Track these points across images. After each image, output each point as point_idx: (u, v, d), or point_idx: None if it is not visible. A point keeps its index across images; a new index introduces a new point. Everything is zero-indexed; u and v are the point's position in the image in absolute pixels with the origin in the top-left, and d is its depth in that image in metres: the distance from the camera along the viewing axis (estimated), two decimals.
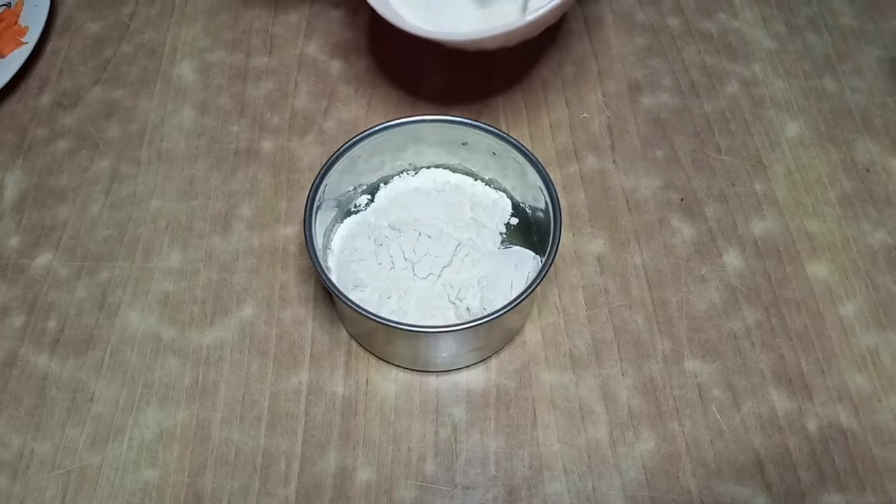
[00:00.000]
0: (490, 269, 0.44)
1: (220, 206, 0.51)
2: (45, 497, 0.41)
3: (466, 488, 0.41)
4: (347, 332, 0.46)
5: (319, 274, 0.40)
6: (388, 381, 0.45)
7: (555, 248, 0.41)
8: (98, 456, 0.42)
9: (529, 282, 0.41)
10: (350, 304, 0.39)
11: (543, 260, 0.41)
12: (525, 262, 0.45)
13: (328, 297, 0.47)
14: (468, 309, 0.43)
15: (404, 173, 0.49)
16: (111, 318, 0.46)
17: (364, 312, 0.39)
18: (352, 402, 0.44)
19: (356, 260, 0.45)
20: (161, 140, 0.54)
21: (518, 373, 0.45)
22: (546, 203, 0.43)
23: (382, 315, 0.39)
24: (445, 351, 0.43)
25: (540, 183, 0.43)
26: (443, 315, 0.43)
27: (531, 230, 0.47)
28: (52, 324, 0.46)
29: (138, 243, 0.49)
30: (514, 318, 0.44)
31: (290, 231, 0.50)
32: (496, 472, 0.42)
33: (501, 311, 0.39)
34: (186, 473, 0.42)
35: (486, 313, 0.39)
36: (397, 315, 0.42)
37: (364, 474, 0.42)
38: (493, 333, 0.44)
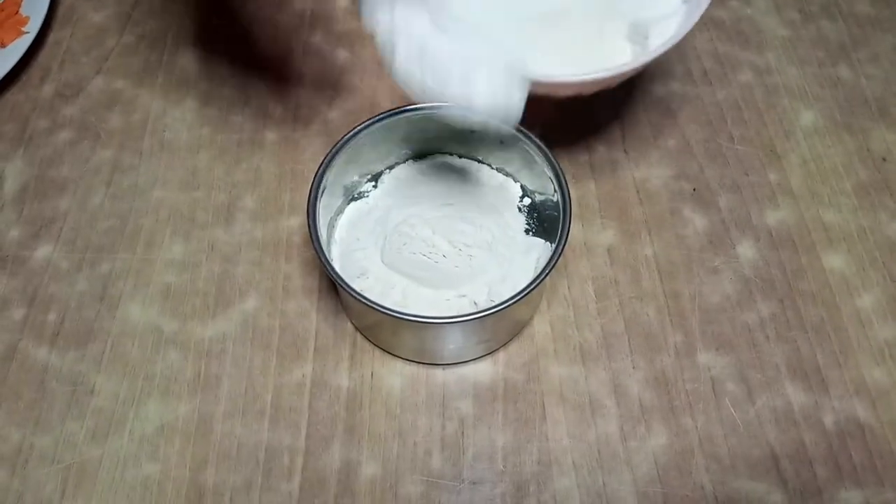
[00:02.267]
0: (498, 258, 0.44)
1: (223, 197, 0.50)
2: (45, 491, 0.40)
3: (474, 483, 0.41)
4: (352, 324, 0.45)
5: (324, 265, 0.39)
6: (394, 375, 0.44)
7: (564, 238, 0.40)
8: (98, 450, 0.42)
9: (538, 272, 0.40)
10: (355, 294, 0.38)
11: (552, 250, 0.40)
12: (533, 253, 0.44)
13: (333, 288, 0.46)
14: (475, 301, 0.42)
15: (409, 160, 0.48)
16: (112, 311, 0.46)
17: (369, 303, 0.38)
18: (357, 396, 0.43)
19: (360, 248, 0.44)
20: (163, 130, 0.53)
21: (526, 366, 0.44)
22: (555, 193, 0.42)
23: (387, 305, 0.38)
24: (452, 343, 0.42)
25: (549, 172, 0.42)
26: (449, 305, 0.42)
27: (540, 220, 0.46)
28: (52, 316, 0.46)
29: (140, 235, 0.48)
30: (523, 309, 0.44)
31: (294, 222, 0.49)
32: (504, 467, 0.41)
33: (509, 303, 0.38)
34: (188, 468, 0.41)
35: (493, 304, 0.38)
36: (401, 305, 0.41)
37: (369, 469, 0.41)
38: (500, 325, 0.43)
